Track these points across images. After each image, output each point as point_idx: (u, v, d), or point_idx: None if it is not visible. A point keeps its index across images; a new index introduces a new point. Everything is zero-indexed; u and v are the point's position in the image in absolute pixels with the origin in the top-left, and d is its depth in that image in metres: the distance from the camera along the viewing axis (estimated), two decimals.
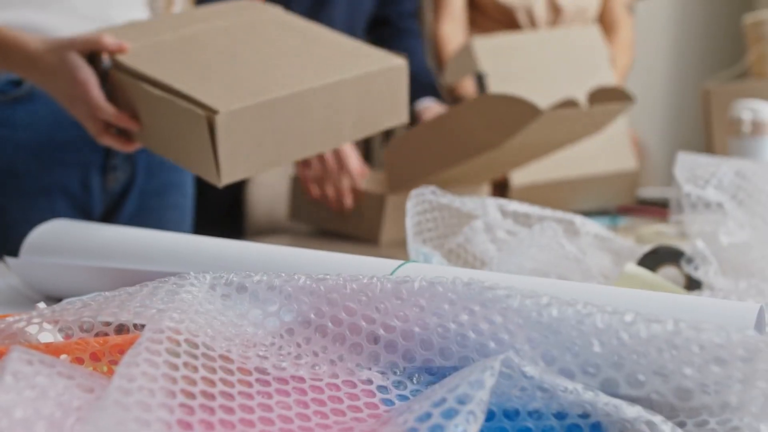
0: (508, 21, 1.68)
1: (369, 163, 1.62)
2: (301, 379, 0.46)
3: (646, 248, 0.81)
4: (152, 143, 0.91)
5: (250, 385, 0.44)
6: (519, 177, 1.34)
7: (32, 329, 0.50)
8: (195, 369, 0.42)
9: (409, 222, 0.76)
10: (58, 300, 0.74)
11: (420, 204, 0.77)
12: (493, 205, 0.81)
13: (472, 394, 0.39)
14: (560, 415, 0.43)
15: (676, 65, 2.80)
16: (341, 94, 0.87)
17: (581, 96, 1.25)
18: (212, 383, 0.42)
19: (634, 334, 0.41)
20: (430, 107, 1.48)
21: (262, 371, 0.45)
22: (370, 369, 0.48)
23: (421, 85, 1.51)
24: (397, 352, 0.47)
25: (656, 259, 0.79)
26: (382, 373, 0.48)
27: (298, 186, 1.32)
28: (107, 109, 0.88)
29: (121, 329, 0.51)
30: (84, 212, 1.12)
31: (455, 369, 0.46)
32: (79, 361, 0.48)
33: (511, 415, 0.44)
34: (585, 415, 0.42)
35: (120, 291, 0.52)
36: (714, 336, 0.41)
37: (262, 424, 0.41)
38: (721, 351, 0.40)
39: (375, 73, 0.90)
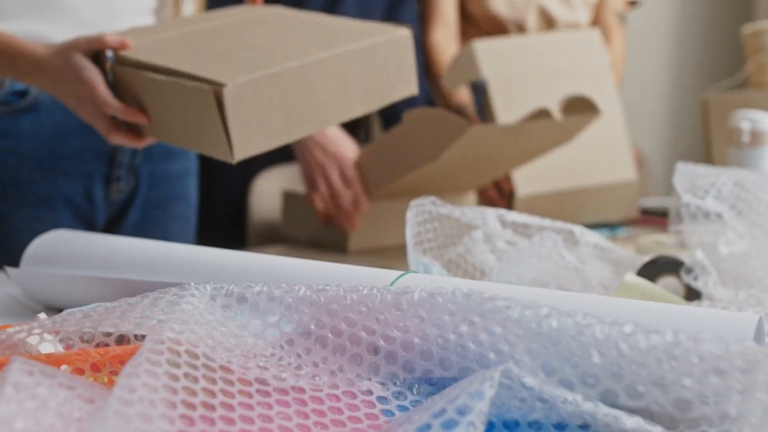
0: (499, 33, 1.69)
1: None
2: (302, 390, 0.46)
3: (646, 258, 0.81)
4: (162, 134, 0.91)
5: (250, 395, 0.44)
6: (524, 188, 1.34)
7: (33, 340, 0.50)
8: (195, 380, 0.42)
9: (409, 232, 0.76)
10: (59, 310, 0.74)
11: (420, 214, 0.77)
12: (492, 215, 0.81)
13: (472, 404, 0.39)
14: (560, 426, 0.43)
15: (675, 75, 2.80)
16: (347, 66, 0.88)
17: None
18: (213, 394, 0.42)
19: (634, 345, 0.41)
20: None
21: (262, 382, 0.45)
22: (370, 380, 0.48)
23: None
24: (397, 363, 0.48)
25: (656, 269, 0.79)
26: (382, 383, 0.48)
27: (290, 200, 1.33)
28: (114, 104, 0.88)
29: (121, 340, 0.51)
30: (87, 222, 1.13)
31: (455, 380, 0.46)
32: (80, 371, 0.48)
33: (511, 425, 0.44)
34: (585, 426, 0.42)
35: (121, 302, 0.52)
36: (713, 347, 0.41)
37: None
38: (720, 362, 0.40)
39: (379, 44, 0.91)
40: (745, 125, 1.28)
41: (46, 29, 1.04)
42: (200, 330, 0.47)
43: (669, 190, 1.42)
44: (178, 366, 0.42)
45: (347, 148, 1.25)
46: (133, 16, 1.10)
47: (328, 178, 1.23)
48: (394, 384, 0.48)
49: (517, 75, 1.37)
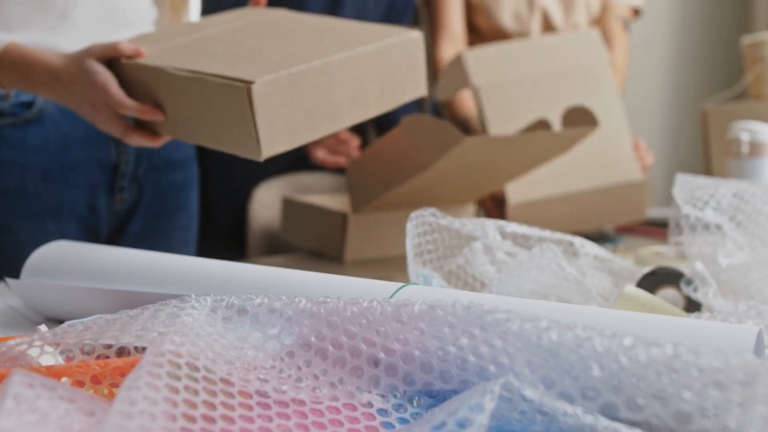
0: None
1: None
2: (302, 402, 0.46)
3: (646, 270, 0.81)
4: (180, 132, 0.92)
5: (250, 408, 0.44)
6: (516, 194, 1.33)
7: (34, 352, 0.50)
8: (196, 392, 0.42)
9: (409, 244, 0.76)
10: (60, 321, 0.74)
11: (420, 226, 0.77)
12: (492, 226, 0.81)
13: (472, 417, 0.39)
14: None
15: (675, 86, 2.81)
16: (365, 66, 0.90)
17: (583, 100, 1.26)
18: (213, 407, 0.42)
19: (633, 358, 0.41)
20: None
21: (262, 394, 0.45)
22: (370, 392, 0.48)
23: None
24: (398, 375, 0.48)
25: (655, 280, 0.79)
26: (383, 396, 0.48)
27: (289, 207, 1.33)
28: (130, 104, 0.89)
29: (122, 352, 0.51)
30: (91, 233, 1.13)
31: (455, 392, 0.46)
32: (80, 383, 0.48)
33: None
34: None
35: (121, 314, 0.52)
36: (713, 360, 0.41)
37: None
38: (720, 375, 0.41)
39: (394, 45, 0.93)
40: (745, 136, 1.28)
41: (48, 41, 1.05)
42: (201, 342, 0.47)
43: (669, 200, 1.41)
44: (178, 378, 0.42)
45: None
46: (140, 27, 1.11)
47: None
48: (395, 396, 0.48)
49: (511, 81, 1.36)
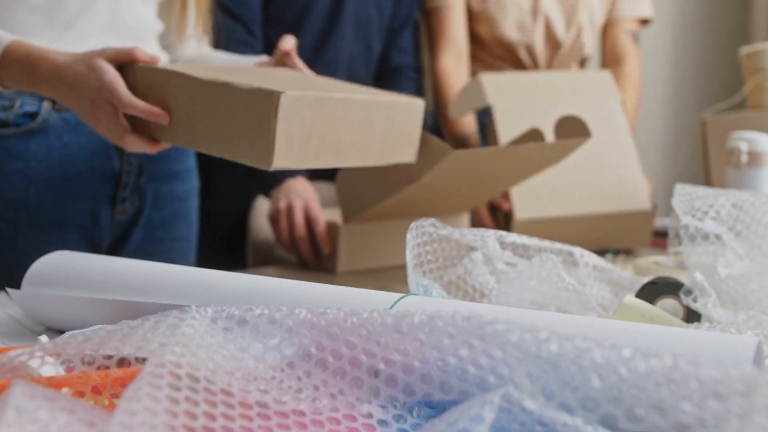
0: (509, 56, 1.70)
1: None
2: (302, 413, 0.46)
3: (645, 279, 0.81)
4: (182, 138, 0.92)
5: (251, 419, 0.44)
6: (523, 211, 1.33)
7: (34, 363, 0.50)
8: (196, 403, 0.42)
9: (409, 254, 0.77)
10: (60, 332, 0.74)
11: (420, 236, 0.77)
12: (492, 236, 0.81)
13: (472, 428, 0.39)
14: None
15: (674, 97, 2.82)
16: (375, 113, 0.96)
17: (594, 130, 1.27)
18: (213, 418, 0.42)
19: (633, 369, 0.42)
20: None
21: (263, 405, 0.45)
22: (370, 402, 0.48)
23: None
24: (398, 386, 0.48)
25: (655, 290, 0.79)
26: (383, 406, 0.48)
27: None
28: (138, 103, 0.89)
29: (122, 362, 0.51)
30: (93, 244, 1.13)
31: (455, 403, 0.46)
32: (81, 394, 0.48)
33: None
34: None
35: (122, 324, 0.52)
36: (712, 371, 0.41)
37: None
38: (719, 386, 0.41)
39: (400, 103, 0.99)
40: (743, 146, 1.28)
41: (59, 50, 1.05)
42: (201, 353, 0.47)
43: (668, 210, 1.41)
44: (179, 389, 0.42)
45: (312, 192, 1.30)
46: (146, 40, 1.11)
47: (293, 218, 1.28)
48: (395, 407, 0.48)
49: (524, 105, 1.38)
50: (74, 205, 1.10)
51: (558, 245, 0.85)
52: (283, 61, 1.08)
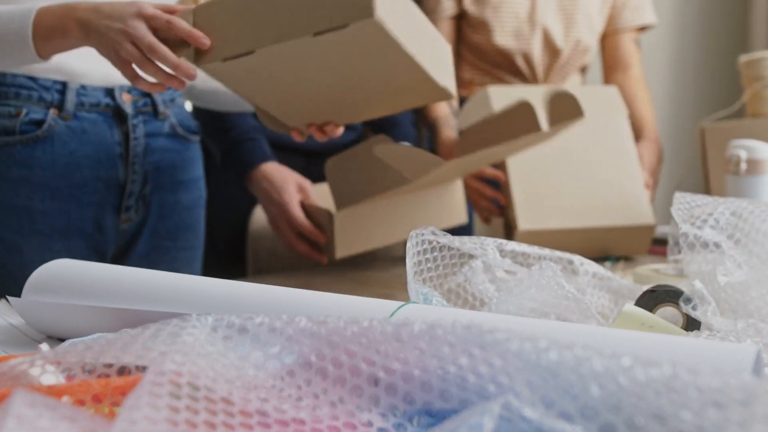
0: (506, 64, 1.70)
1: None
2: (302, 422, 0.46)
3: (645, 288, 0.82)
4: (238, 46, 0.92)
5: (251, 428, 0.44)
6: (526, 222, 1.34)
7: (35, 371, 0.50)
8: (196, 412, 0.42)
9: (409, 262, 0.77)
10: (60, 340, 0.74)
11: (419, 244, 0.78)
12: (491, 244, 0.81)
13: None
14: None
15: (673, 105, 2.82)
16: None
17: (592, 150, 1.28)
18: (214, 426, 0.42)
19: (632, 378, 0.42)
20: None
21: (263, 414, 0.45)
22: (370, 411, 0.48)
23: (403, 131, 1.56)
24: (398, 395, 0.48)
25: (655, 298, 0.79)
26: (383, 415, 0.48)
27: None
28: (183, 23, 0.88)
29: (123, 371, 0.51)
30: (98, 252, 1.13)
31: (455, 411, 0.46)
32: (81, 402, 0.48)
33: None
34: None
35: (122, 333, 0.52)
36: (712, 380, 0.41)
37: None
38: (718, 395, 0.41)
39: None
40: (743, 154, 1.29)
41: (63, 60, 1.06)
42: (201, 361, 0.47)
43: (668, 218, 1.42)
44: (179, 398, 0.42)
45: (290, 194, 1.29)
46: None
47: (282, 231, 1.31)
48: (395, 415, 0.48)
49: None
50: (79, 213, 1.10)
51: (558, 253, 0.85)
52: None
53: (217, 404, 0.44)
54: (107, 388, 0.48)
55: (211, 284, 0.70)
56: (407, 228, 1.22)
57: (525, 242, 1.01)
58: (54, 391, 0.48)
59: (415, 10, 0.98)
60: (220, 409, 0.44)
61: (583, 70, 1.79)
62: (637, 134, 1.66)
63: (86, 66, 1.09)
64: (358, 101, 1.04)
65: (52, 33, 0.94)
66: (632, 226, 1.37)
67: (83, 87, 1.10)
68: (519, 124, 1.19)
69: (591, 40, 1.73)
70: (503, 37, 1.67)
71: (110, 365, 0.50)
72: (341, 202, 1.23)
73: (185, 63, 0.90)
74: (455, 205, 1.31)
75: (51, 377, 0.50)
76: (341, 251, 1.23)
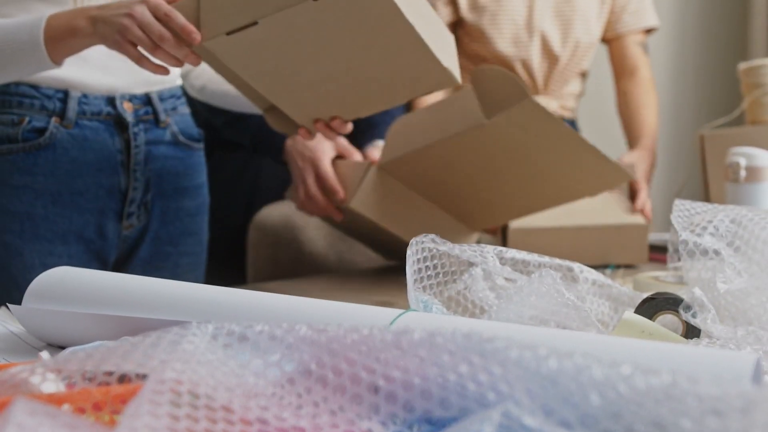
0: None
1: None
2: (302, 430, 0.46)
3: (645, 295, 0.82)
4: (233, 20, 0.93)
5: None
6: (517, 221, 1.34)
7: (35, 379, 0.50)
8: (197, 420, 0.42)
9: (409, 270, 0.77)
10: (61, 347, 0.74)
11: (420, 252, 0.78)
12: (491, 252, 0.82)
13: None
14: None
15: (673, 112, 2.83)
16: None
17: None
18: None
19: (632, 386, 0.42)
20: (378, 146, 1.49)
21: (263, 422, 0.45)
22: (370, 419, 0.48)
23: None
24: (398, 403, 0.48)
25: (654, 306, 0.79)
26: (383, 423, 0.48)
27: None
28: (180, 17, 0.91)
29: (123, 379, 0.51)
30: (99, 258, 1.14)
31: (455, 419, 0.46)
32: (81, 410, 0.48)
33: None
34: None
35: (123, 341, 0.52)
36: (711, 388, 0.41)
37: None
38: (718, 403, 0.41)
39: None
40: (742, 161, 1.29)
41: (64, 72, 1.06)
42: (202, 370, 0.47)
43: (667, 225, 1.41)
44: (179, 406, 0.42)
45: (323, 150, 1.28)
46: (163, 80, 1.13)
47: (305, 181, 1.27)
48: (394, 423, 0.48)
49: None
50: (80, 218, 1.11)
51: (557, 261, 0.85)
52: None
53: (217, 412, 0.44)
54: (108, 396, 0.48)
55: (211, 292, 0.70)
56: (415, 230, 1.21)
57: (517, 241, 1.01)
58: (54, 399, 0.48)
59: None
60: (221, 418, 0.44)
61: (583, 75, 1.79)
62: (634, 141, 1.66)
63: (88, 75, 1.10)
64: (362, 89, 1.03)
65: (63, 34, 0.96)
66: (622, 224, 1.37)
67: (85, 96, 1.11)
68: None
69: (589, 44, 1.73)
70: (502, 45, 1.67)
71: (111, 373, 0.51)
72: (385, 156, 1.21)
73: (192, 54, 0.92)
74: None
75: (51, 385, 0.50)
76: (356, 202, 1.20)
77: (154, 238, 1.18)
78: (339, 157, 1.31)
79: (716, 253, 0.84)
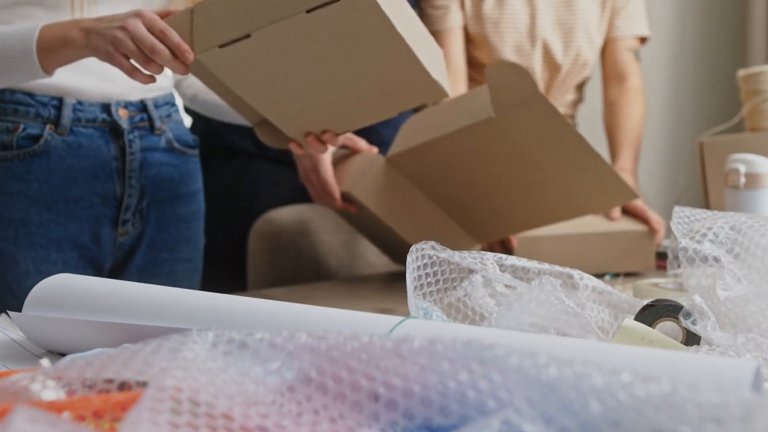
0: None
1: None
2: None
3: (645, 302, 0.82)
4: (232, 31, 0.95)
5: None
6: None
7: (35, 387, 0.50)
8: (197, 428, 0.42)
9: (409, 277, 0.77)
10: (61, 354, 0.74)
11: (420, 259, 0.78)
12: (491, 259, 0.82)
13: None
14: None
15: (672, 119, 2.83)
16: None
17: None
18: None
19: (632, 394, 0.42)
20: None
21: (263, 429, 0.45)
22: (370, 427, 0.48)
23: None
24: (398, 410, 0.48)
25: (654, 313, 0.79)
26: (383, 430, 0.48)
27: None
28: (173, 33, 0.92)
29: (123, 386, 0.51)
30: (95, 265, 1.14)
31: (455, 427, 0.46)
32: (81, 418, 0.48)
33: None
34: None
35: (123, 348, 0.52)
36: (711, 396, 0.41)
37: None
38: (718, 410, 0.41)
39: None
40: (741, 168, 1.29)
41: (63, 78, 1.07)
42: (202, 377, 0.47)
43: (667, 232, 1.41)
44: (179, 414, 0.42)
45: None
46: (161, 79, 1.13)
47: (310, 180, 1.29)
48: (394, 431, 0.48)
49: None
50: (75, 225, 1.11)
51: (557, 268, 0.85)
52: None
53: (217, 420, 0.44)
54: (108, 403, 0.48)
55: (212, 299, 0.70)
56: (415, 230, 1.20)
57: (522, 249, 1.01)
58: (54, 407, 0.48)
59: (411, 11, 0.99)
60: (221, 425, 0.44)
61: (583, 83, 1.79)
62: (616, 155, 1.65)
63: (83, 81, 1.10)
64: (353, 102, 1.04)
65: (56, 44, 0.97)
66: (627, 231, 1.37)
67: (80, 103, 1.11)
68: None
69: (590, 53, 1.74)
70: (505, 54, 1.67)
71: (111, 381, 0.51)
72: (395, 147, 1.21)
73: (182, 65, 0.94)
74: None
75: (51, 393, 0.50)
76: (359, 190, 1.20)
77: (150, 245, 1.18)
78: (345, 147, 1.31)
79: (716, 260, 0.84)
